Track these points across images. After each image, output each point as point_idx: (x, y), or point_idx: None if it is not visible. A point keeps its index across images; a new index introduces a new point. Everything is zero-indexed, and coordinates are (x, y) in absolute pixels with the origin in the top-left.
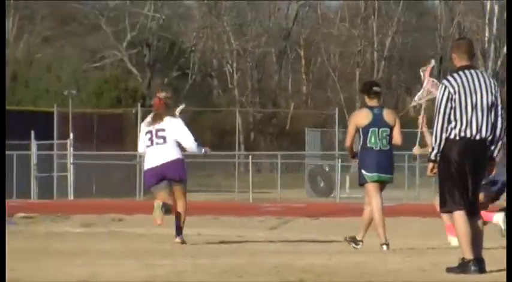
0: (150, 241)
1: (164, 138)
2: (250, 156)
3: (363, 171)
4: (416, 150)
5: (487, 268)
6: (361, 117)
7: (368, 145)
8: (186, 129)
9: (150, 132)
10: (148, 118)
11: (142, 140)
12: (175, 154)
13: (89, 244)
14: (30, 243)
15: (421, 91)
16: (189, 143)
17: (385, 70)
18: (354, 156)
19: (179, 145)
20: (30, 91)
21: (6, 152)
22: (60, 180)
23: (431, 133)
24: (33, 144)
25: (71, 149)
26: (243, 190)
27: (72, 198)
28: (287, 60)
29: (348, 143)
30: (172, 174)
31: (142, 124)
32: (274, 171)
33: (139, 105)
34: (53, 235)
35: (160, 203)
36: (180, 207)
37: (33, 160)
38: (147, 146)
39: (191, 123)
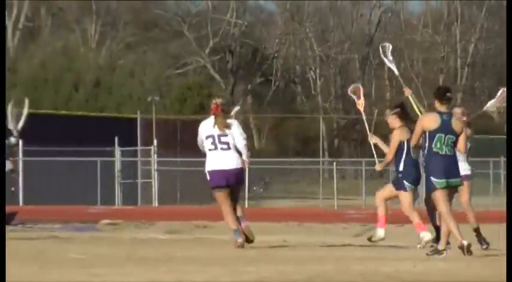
0: (234, 248)
1: (228, 143)
2: (334, 163)
3: (432, 178)
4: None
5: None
6: (430, 121)
7: (434, 150)
8: (242, 133)
9: (211, 136)
10: (207, 122)
11: (200, 140)
12: (239, 161)
13: (174, 251)
14: (115, 250)
15: (494, 100)
16: (241, 146)
17: (468, 77)
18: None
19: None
20: (114, 97)
21: (91, 159)
22: (144, 187)
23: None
24: (117, 150)
25: (155, 155)
26: (327, 197)
27: (156, 204)
28: (370, 66)
29: (413, 143)
30: (236, 180)
31: (199, 129)
32: (359, 177)
33: None
34: (138, 241)
35: (236, 228)
36: (240, 210)
37: (117, 167)
38: (210, 150)
39: (275, 129)
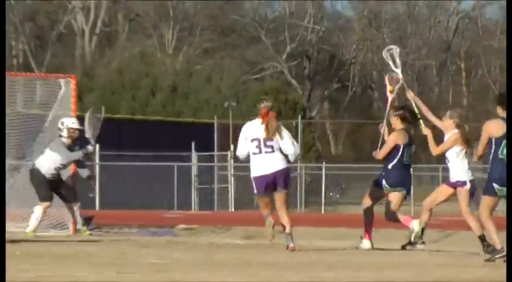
0: (311, 253)
1: (272, 147)
2: (411, 169)
3: (494, 184)
4: None
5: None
6: (496, 128)
7: (500, 156)
8: (294, 141)
9: (257, 140)
10: (252, 125)
11: (244, 145)
12: (284, 163)
13: (251, 256)
14: (192, 255)
15: None
16: (291, 151)
17: None
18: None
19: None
20: (190, 103)
21: (167, 164)
22: (220, 192)
23: None
24: (194, 155)
25: (232, 160)
26: (404, 203)
27: (232, 209)
28: (447, 73)
29: (479, 152)
30: (281, 183)
31: (243, 130)
32: (436, 184)
33: (299, 117)
34: (214, 246)
35: (272, 221)
36: (286, 215)
37: (194, 172)
38: (254, 154)
39: (352, 135)
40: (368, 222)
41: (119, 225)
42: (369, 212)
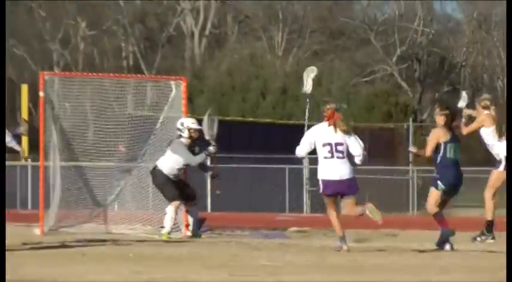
0: (425, 256)
1: (343, 152)
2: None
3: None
4: None
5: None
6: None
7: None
8: (361, 143)
9: (329, 144)
10: (322, 129)
11: (307, 146)
12: (351, 172)
13: (363, 259)
14: (304, 257)
15: None
16: (357, 153)
17: None
18: None
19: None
20: (301, 105)
21: (279, 166)
22: None
23: None
24: (305, 158)
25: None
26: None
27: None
28: None
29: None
30: (348, 191)
31: (312, 133)
32: None
33: (411, 120)
34: (326, 249)
35: (372, 205)
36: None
37: (305, 174)
38: (325, 158)
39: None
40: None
41: (231, 228)
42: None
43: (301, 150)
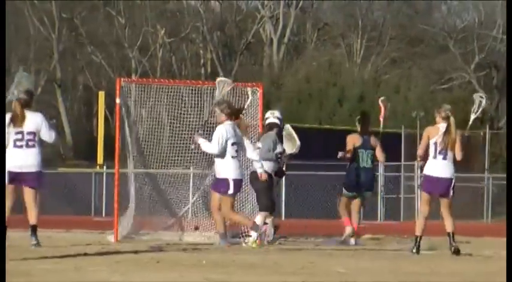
0: (497, 263)
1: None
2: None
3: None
4: None
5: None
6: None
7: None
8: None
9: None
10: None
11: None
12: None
13: (438, 266)
14: (378, 264)
15: None
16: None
17: None
18: None
19: None
20: (378, 112)
21: None
22: (407, 202)
23: None
24: (381, 165)
25: (418, 171)
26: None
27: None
28: None
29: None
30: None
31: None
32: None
33: (487, 127)
34: (400, 256)
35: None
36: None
37: (381, 181)
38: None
39: None
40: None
41: (305, 235)
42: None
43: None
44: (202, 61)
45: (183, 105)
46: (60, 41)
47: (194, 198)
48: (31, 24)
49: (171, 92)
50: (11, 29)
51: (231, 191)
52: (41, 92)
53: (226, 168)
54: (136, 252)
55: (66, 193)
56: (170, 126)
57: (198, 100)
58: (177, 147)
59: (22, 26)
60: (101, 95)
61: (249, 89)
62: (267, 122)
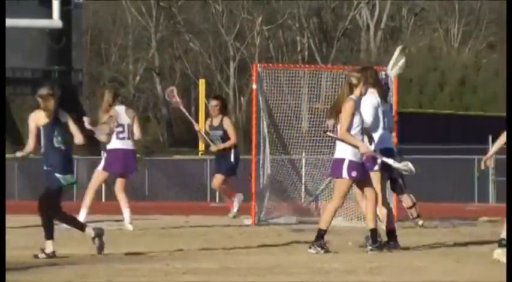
0: None
1: None
2: None
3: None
4: None
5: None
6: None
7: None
8: None
9: None
10: None
11: None
12: None
13: None
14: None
15: None
16: None
17: None
18: None
19: None
20: (479, 96)
21: (468, 157)
22: None
23: None
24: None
25: None
26: None
27: None
28: None
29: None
30: None
31: None
32: None
33: None
34: None
35: None
36: None
37: (492, 164)
38: None
39: None
40: None
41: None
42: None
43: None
44: (299, 47)
45: (319, 90)
46: (158, 30)
47: (327, 182)
48: (129, 14)
49: (300, 77)
50: (109, 19)
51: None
52: (140, 80)
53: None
54: (279, 234)
55: (180, 180)
56: (309, 111)
57: (335, 85)
58: (312, 132)
59: (120, 16)
60: (202, 82)
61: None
62: None
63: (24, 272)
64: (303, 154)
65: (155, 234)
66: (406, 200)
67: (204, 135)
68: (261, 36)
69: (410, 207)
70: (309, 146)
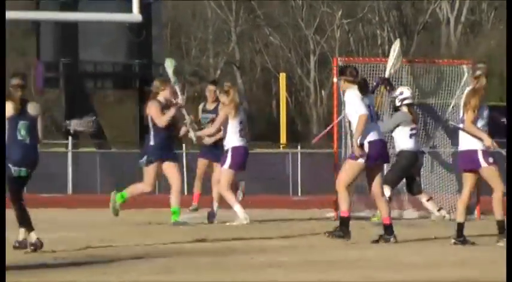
0: None
1: None
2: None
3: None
4: None
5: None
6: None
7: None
8: None
9: None
10: None
11: None
12: None
13: None
14: None
15: None
16: None
17: None
18: None
19: None
20: None
21: None
22: None
23: None
24: None
25: None
26: None
27: None
28: None
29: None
30: None
31: None
32: None
33: None
34: None
35: None
36: None
37: None
38: None
39: None
40: None
41: None
42: None
43: None
44: (379, 41)
45: (400, 83)
46: (238, 24)
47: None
48: (209, 8)
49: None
50: (188, 14)
51: None
52: (220, 74)
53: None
54: (362, 228)
55: (262, 173)
56: (390, 104)
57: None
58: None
59: (200, 10)
60: (282, 76)
61: (465, 66)
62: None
63: (107, 265)
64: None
65: (240, 227)
66: (424, 196)
67: (194, 124)
68: (341, 29)
69: (428, 200)
70: (388, 140)
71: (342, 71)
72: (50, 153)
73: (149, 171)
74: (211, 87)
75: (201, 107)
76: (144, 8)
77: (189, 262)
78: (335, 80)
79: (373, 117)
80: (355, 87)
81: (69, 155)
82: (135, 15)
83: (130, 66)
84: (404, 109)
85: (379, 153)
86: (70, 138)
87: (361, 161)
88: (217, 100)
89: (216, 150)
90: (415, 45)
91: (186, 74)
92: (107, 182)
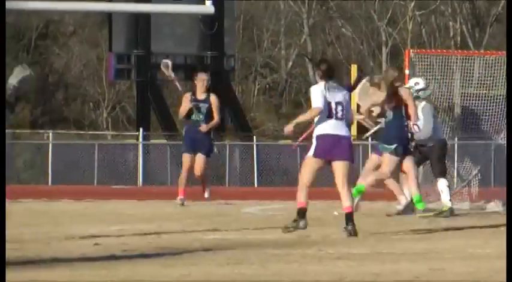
0: None
1: None
2: None
3: None
4: None
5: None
6: None
7: None
8: None
9: None
10: None
11: None
12: None
13: None
14: None
15: None
16: None
17: None
18: None
19: None
20: None
21: None
22: None
23: None
24: None
25: None
26: None
27: None
28: None
29: None
30: None
31: None
32: None
33: None
34: None
35: None
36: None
37: None
38: None
39: None
40: None
41: None
42: None
43: None
44: (451, 33)
45: (472, 75)
46: (310, 15)
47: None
48: (281, 0)
49: (459, 62)
50: (261, 6)
51: None
52: (292, 65)
53: None
54: (431, 220)
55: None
56: (461, 96)
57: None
58: (464, 118)
59: (272, 2)
60: (354, 68)
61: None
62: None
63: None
64: (455, 139)
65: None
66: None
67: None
68: (414, 21)
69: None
70: (461, 131)
71: (316, 65)
72: (121, 146)
73: (391, 160)
74: (203, 76)
75: (188, 96)
76: (217, 0)
77: (257, 254)
78: (407, 71)
79: (338, 114)
80: (323, 83)
81: (140, 146)
82: (208, 7)
83: (202, 58)
84: (425, 100)
85: (324, 149)
86: (141, 129)
87: (310, 154)
88: (208, 90)
89: None
90: (488, 37)
91: (257, 66)
92: (178, 174)
